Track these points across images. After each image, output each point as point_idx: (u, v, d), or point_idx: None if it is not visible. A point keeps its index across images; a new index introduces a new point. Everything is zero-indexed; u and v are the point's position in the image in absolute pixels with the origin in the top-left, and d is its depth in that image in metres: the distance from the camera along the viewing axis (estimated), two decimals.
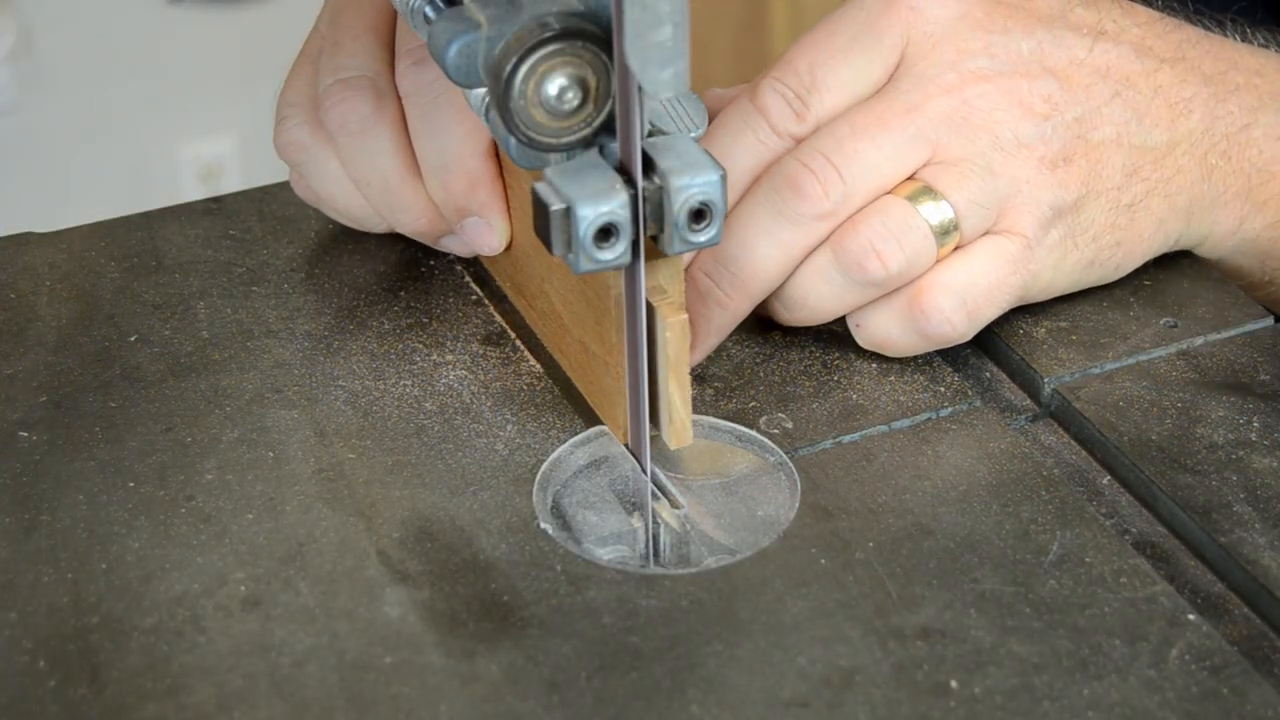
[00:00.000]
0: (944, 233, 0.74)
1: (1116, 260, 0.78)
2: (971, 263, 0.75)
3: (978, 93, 0.75)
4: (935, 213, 0.74)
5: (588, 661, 0.63)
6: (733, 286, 0.75)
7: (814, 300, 0.76)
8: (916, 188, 0.74)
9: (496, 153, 0.78)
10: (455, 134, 0.77)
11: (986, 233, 0.76)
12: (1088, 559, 0.67)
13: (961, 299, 0.75)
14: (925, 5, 0.77)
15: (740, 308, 0.76)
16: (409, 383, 0.76)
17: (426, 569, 0.67)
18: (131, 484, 0.71)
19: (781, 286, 0.76)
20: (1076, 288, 0.79)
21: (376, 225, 0.83)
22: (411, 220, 0.80)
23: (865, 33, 0.76)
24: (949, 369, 0.77)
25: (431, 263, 0.84)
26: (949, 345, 0.76)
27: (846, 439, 0.73)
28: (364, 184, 0.80)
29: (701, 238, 0.65)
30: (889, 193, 0.74)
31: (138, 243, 0.85)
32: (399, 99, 0.79)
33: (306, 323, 0.80)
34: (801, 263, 0.75)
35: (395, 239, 0.85)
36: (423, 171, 0.78)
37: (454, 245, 0.81)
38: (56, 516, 0.69)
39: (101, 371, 0.77)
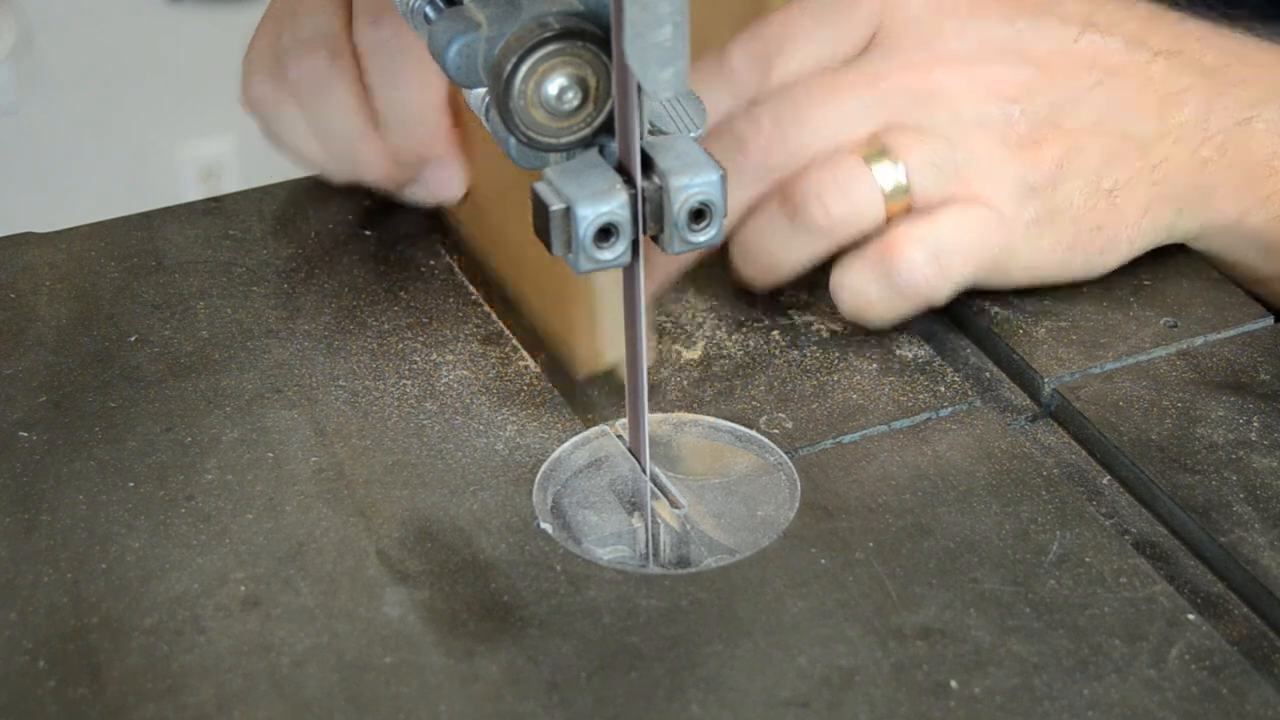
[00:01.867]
0: (894, 194, 0.75)
1: (1100, 245, 0.78)
2: (941, 221, 0.75)
3: (945, 73, 0.76)
4: (886, 172, 0.75)
5: (588, 661, 0.63)
6: None
7: (765, 250, 0.77)
8: (871, 149, 0.75)
9: (453, 102, 0.80)
10: (412, 87, 0.80)
11: (952, 201, 0.76)
12: (1088, 559, 0.67)
13: (933, 252, 0.75)
14: None
15: (687, 257, 0.77)
16: (409, 383, 0.76)
17: (426, 569, 0.67)
18: (131, 484, 0.71)
19: (737, 237, 0.77)
20: (1064, 274, 0.79)
21: (343, 175, 0.85)
22: (373, 172, 0.83)
23: (841, 4, 0.78)
24: (949, 369, 0.77)
25: (431, 263, 0.84)
26: (924, 304, 0.76)
27: (846, 439, 0.73)
28: (326, 139, 0.83)
29: (701, 237, 0.65)
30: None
31: (138, 243, 0.85)
32: (357, 56, 0.81)
33: (306, 323, 0.80)
34: (753, 213, 0.77)
35: (395, 239, 0.85)
36: (382, 125, 0.81)
37: (417, 193, 0.84)
38: (56, 516, 0.69)
39: (101, 371, 0.77)
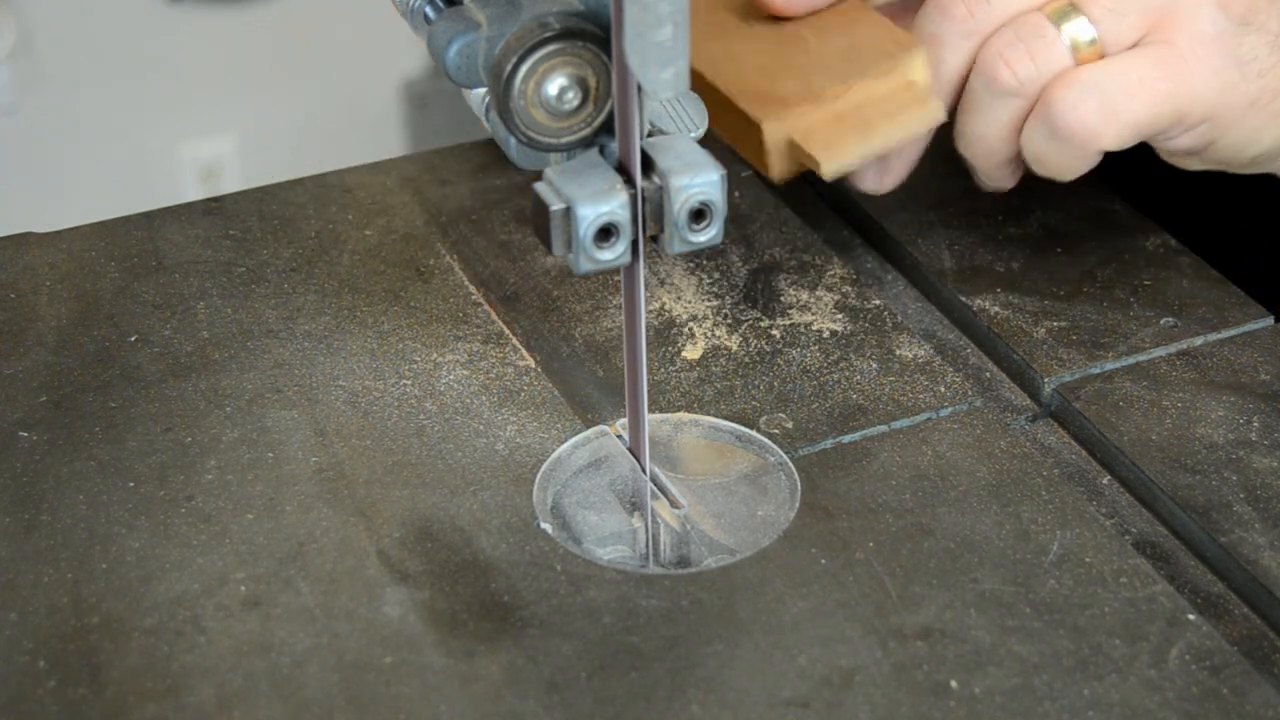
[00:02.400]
0: (1082, 46, 0.74)
1: (1276, 108, 0.76)
2: (1111, 63, 0.74)
3: None
4: (1074, 27, 0.74)
5: (588, 661, 0.63)
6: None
7: (975, 127, 0.76)
8: (1060, 6, 0.74)
9: None
10: None
11: (1136, 45, 0.75)
12: (1088, 559, 0.67)
13: (1091, 90, 0.74)
14: None
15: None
16: (409, 383, 0.76)
17: (426, 569, 0.67)
18: (131, 484, 0.71)
19: (957, 122, 0.77)
20: (1242, 129, 0.76)
21: None
22: None
23: None
24: (949, 369, 0.77)
25: (431, 263, 0.84)
26: (1096, 148, 0.75)
27: (846, 439, 0.73)
28: None
29: (702, 237, 0.65)
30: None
31: (138, 243, 0.85)
32: None
33: (306, 323, 0.80)
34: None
35: (395, 239, 0.85)
36: None
37: None
38: (56, 516, 0.69)
39: (101, 371, 0.77)
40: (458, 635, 0.64)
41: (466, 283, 0.82)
